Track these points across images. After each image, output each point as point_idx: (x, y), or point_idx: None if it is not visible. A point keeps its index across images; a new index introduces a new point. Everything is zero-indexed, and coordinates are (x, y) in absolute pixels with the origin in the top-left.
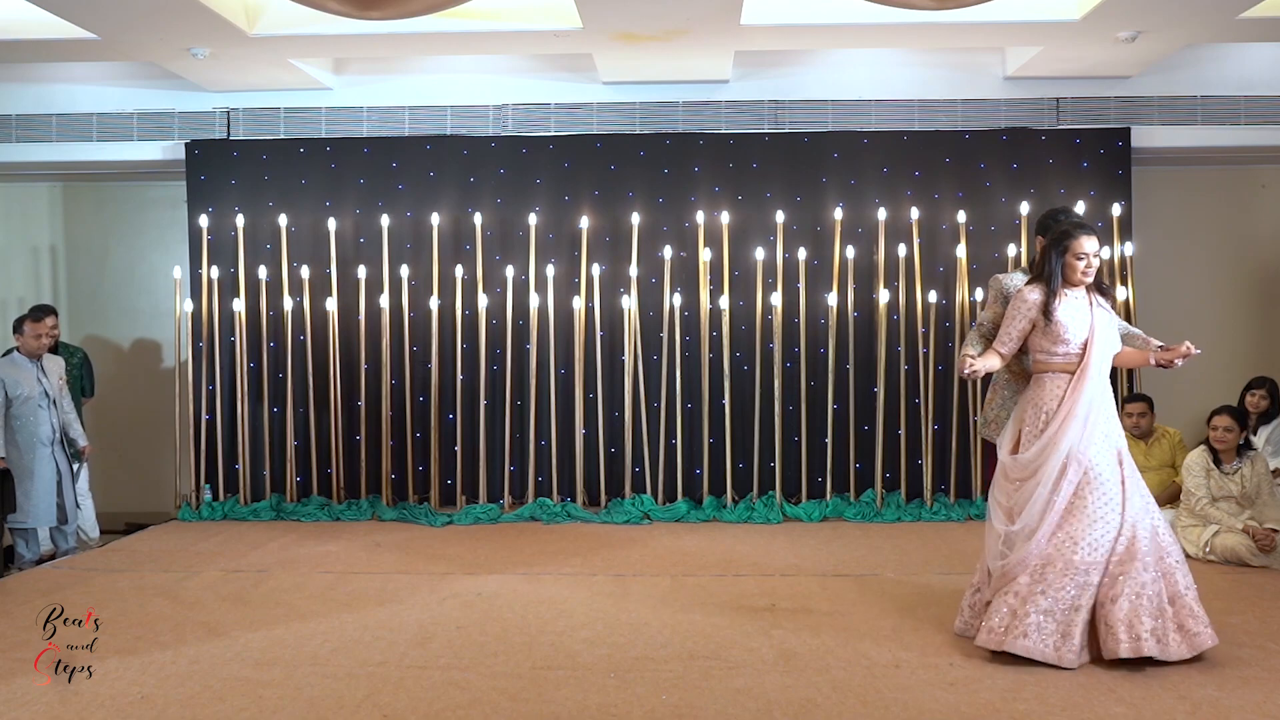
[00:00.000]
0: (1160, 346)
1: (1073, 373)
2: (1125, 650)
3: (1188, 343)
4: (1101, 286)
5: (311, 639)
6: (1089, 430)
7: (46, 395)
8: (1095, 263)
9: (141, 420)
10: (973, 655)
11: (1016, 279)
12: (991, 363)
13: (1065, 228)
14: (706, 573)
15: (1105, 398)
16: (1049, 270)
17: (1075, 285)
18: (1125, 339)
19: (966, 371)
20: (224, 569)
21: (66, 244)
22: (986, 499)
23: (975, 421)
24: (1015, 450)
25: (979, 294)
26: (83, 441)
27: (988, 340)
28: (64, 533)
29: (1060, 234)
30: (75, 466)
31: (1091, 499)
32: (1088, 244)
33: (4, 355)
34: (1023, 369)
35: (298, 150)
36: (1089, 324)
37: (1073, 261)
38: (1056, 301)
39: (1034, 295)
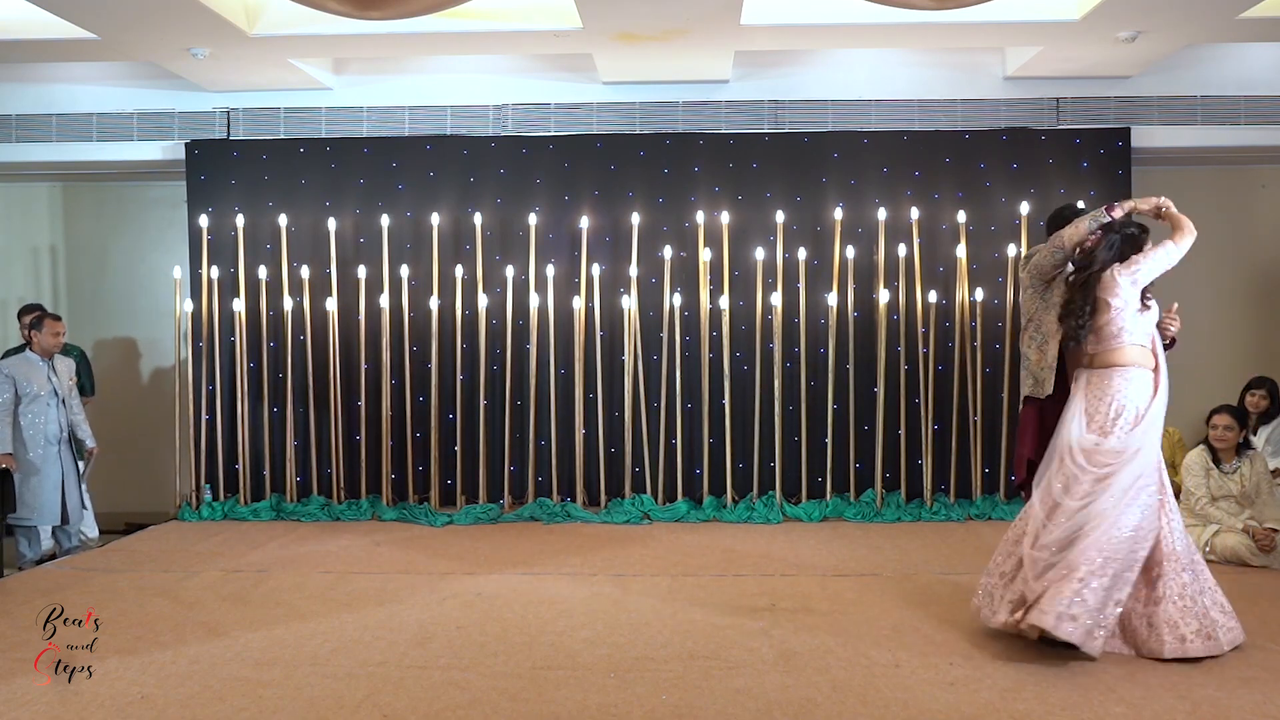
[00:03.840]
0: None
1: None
2: (1170, 651)
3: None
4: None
5: (311, 639)
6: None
7: (56, 394)
8: None
9: (141, 420)
10: (973, 655)
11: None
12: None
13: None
14: (706, 573)
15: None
16: (1112, 255)
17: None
18: None
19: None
20: (224, 569)
21: (66, 244)
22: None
23: (975, 421)
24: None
25: (979, 294)
26: (90, 442)
27: (1042, 339)
28: (67, 532)
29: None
30: (81, 466)
31: (1135, 491)
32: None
33: (9, 353)
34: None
35: (298, 150)
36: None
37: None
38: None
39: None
